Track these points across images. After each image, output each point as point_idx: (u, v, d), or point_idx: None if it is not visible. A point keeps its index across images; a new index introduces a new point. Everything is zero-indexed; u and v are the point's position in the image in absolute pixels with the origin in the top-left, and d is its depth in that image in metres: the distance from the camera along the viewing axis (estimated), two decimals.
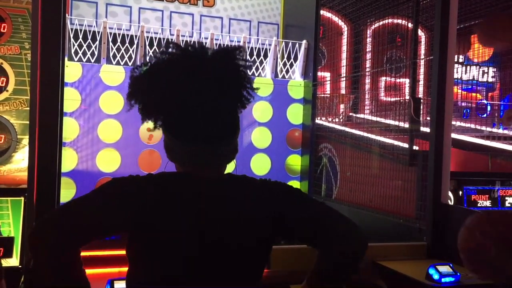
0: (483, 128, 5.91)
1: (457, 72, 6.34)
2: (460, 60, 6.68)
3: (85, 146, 4.92)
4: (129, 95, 1.24)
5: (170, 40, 1.24)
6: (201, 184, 1.24)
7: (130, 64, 5.11)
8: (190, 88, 1.18)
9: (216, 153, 1.25)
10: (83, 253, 1.38)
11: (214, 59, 1.21)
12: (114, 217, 1.19)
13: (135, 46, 5.11)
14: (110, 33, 5.04)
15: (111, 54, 5.04)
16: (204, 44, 1.26)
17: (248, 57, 5.30)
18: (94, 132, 4.92)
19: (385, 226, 3.97)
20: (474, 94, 7.15)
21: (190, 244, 1.18)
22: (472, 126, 6.01)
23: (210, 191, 1.24)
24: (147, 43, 5.12)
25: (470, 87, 7.05)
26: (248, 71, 1.26)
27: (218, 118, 1.21)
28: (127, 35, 5.13)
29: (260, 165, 5.43)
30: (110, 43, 5.01)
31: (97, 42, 5.00)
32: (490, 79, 7.23)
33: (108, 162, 4.95)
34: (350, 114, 5.57)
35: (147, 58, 1.24)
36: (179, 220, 1.18)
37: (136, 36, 5.14)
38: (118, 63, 5.04)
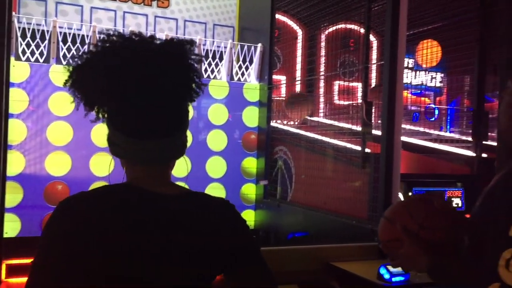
0: (432, 131, 6.12)
1: (407, 77, 6.54)
2: (410, 66, 6.89)
3: (33, 149, 4.74)
4: (70, 84, 1.17)
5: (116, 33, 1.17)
6: (149, 203, 1.17)
7: None
8: (133, 78, 1.12)
9: (161, 147, 1.17)
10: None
11: (162, 49, 1.16)
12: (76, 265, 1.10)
13: (86, 46, 4.98)
14: (60, 33, 4.89)
15: (61, 54, 4.89)
16: (153, 35, 1.21)
17: (198, 51, 5.29)
18: (43, 135, 4.75)
19: (338, 227, 4.03)
20: (423, 99, 7.40)
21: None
22: (421, 129, 6.21)
23: (159, 213, 1.15)
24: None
25: (419, 91, 7.29)
26: (197, 65, 1.20)
27: (164, 111, 1.15)
28: (78, 35, 4.99)
29: (216, 168, 5.40)
30: (60, 43, 4.86)
31: (46, 42, 4.83)
32: (438, 84, 7.51)
33: (58, 166, 4.80)
34: (305, 117, 5.64)
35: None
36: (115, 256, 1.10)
37: (87, 36, 5.01)
38: (68, 64, 4.88)
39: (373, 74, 5.16)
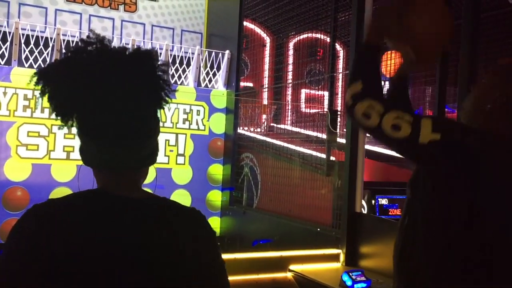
0: None
1: None
2: None
3: None
4: (40, 91, 1.14)
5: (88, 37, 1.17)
6: (115, 208, 1.16)
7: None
8: (103, 85, 1.13)
9: (130, 153, 1.18)
10: None
11: (132, 57, 1.17)
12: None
13: (50, 49, 4.87)
14: (23, 34, 4.77)
15: (23, 56, 4.77)
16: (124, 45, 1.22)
17: (165, 57, 5.23)
18: (2, 138, 4.61)
19: (303, 234, 4.06)
20: None
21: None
22: None
23: (128, 220, 1.16)
24: (63, 47, 4.90)
25: None
26: (166, 74, 1.21)
27: (132, 117, 1.15)
28: (42, 37, 4.88)
29: (182, 175, 5.36)
30: (23, 45, 4.74)
31: (8, 43, 4.71)
32: None
33: (18, 171, 4.66)
34: (272, 124, 5.67)
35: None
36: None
37: (51, 38, 4.90)
38: (31, 66, 4.78)
39: (340, 83, 5.24)
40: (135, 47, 1.20)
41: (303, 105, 5.78)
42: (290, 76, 5.75)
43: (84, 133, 1.18)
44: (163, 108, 1.22)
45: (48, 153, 4.78)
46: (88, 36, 1.16)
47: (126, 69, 1.15)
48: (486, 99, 1.42)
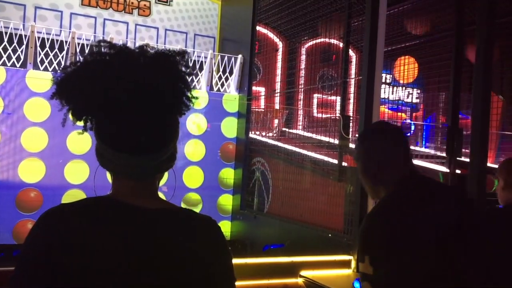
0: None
1: (384, 92, 6.64)
2: (388, 81, 7.00)
3: (7, 154, 4.64)
4: (56, 94, 1.12)
5: (103, 40, 1.14)
6: (130, 220, 1.16)
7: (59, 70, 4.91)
8: (122, 90, 1.09)
9: (149, 162, 1.15)
10: None
11: (153, 61, 1.13)
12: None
13: (64, 52, 4.92)
14: (38, 38, 4.82)
15: (38, 60, 4.82)
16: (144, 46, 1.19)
17: (190, 63, 5.19)
18: (17, 140, 4.66)
19: (314, 240, 4.04)
20: (399, 114, 7.51)
21: None
22: None
23: (141, 228, 1.12)
24: (78, 50, 4.95)
25: (396, 106, 7.40)
26: (189, 77, 1.17)
27: (152, 125, 1.13)
28: (57, 40, 4.93)
29: (193, 178, 5.38)
30: (38, 48, 4.80)
31: (24, 46, 4.77)
32: (415, 100, 7.64)
33: (32, 172, 4.71)
34: (284, 129, 5.67)
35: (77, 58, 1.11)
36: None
37: (66, 42, 4.96)
38: (46, 69, 4.83)
39: (352, 89, 5.22)
40: (155, 49, 1.13)
41: (315, 110, 5.78)
42: (302, 80, 5.75)
43: (101, 138, 1.15)
44: (184, 114, 1.18)
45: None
46: (102, 41, 1.12)
47: (147, 75, 1.11)
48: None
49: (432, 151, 6.04)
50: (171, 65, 1.14)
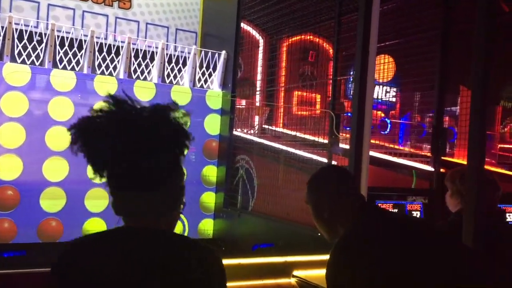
0: (386, 144, 6.25)
1: None
2: None
3: None
4: (72, 139, 1.24)
5: (110, 94, 1.26)
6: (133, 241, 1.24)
7: (37, 63, 4.73)
8: (130, 143, 1.22)
9: (151, 200, 1.27)
10: None
11: (151, 119, 1.25)
12: None
13: (44, 44, 4.74)
14: (16, 29, 4.63)
15: (16, 52, 4.63)
16: (134, 102, 1.27)
17: (162, 55, 5.15)
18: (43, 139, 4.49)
19: (302, 238, 4.02)
20: (378, 112, 7.58)
21: None
22: (377, 142, 6.34)
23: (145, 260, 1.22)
24: (57, 43, 4.78)
25: (374, 105, 7.45)
26: (184, 126, 1.30)
27: (153, 168, 1.25)
28: (35, 32, 4.74)
29: None
30: (16, 40, 4.60)
31: (0, 38, 4.57)
32: (392, 99, 7.72)
33: (9, 169, 4.52)
34: (266, 126, 5.62)
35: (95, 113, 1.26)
36: None
37: (45, 34, 4.77)
38: (23, 62, 4.64)
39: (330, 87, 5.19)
40: (154, 106, 1.27)
41: (296, 107, 5.75)
42: (283, 78, 5.70)
43: (109, 183, 1.26)
44: (184, 155, 1.31)
45: None
46: (109, 99, 1.24)
47: (147, 128, 1.23)
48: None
49: (411, 149, 6.10)
50: (167, 118, 1.26)
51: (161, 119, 1.25)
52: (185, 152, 1.32)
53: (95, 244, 1.27)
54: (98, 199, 4.78)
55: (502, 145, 7.15)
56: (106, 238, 1.28)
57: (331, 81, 4.99)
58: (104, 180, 1.26)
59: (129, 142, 1.21)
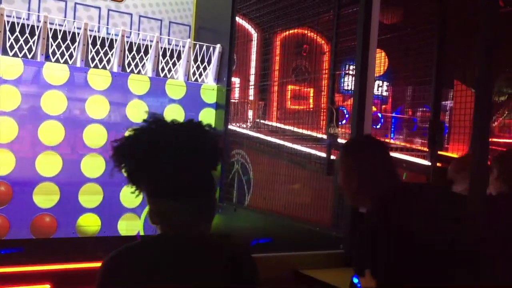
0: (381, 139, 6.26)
1: (348, 85, 6.65)
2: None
3: None
4: (114, 160, 1.34)
5: (147, 111, 1.41)
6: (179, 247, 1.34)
7: (29, 56, 4.63)
8: (168, 156, 1.31)
9: (194, 209, 1.38)
10: None
11: (188, 132, 1.38)
12: None
13: (36, 37, 4.65)
14: (7, 22, 4.53)
15: (7, 45, 4.53)
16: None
17: (156, 48, 5.10)
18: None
19: (300, 234, 4.01)
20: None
21: None
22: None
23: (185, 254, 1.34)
24: (50, 35, 4.69)
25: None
26: (217, 140, 1.44)
27: (194, 179, 1.34)
28: (27, 25, 4.65)
29: None
30: (8, 33, 4.51)
31: None
32: (384, 93, 7.73)
33: (1, 164, 4.44)
34: (257, 120, 5.58)
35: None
36: None
37: (37, 26, 4.67)
38: (15, 55, 4.55)
39: (323, 82, 5.17)
40: (192, 123, 1.42)
41: (290, 101, 5.72)
42: (277, 72, 5.66)
43: (154, 194, 1.34)
44: (216, 168, 1.42)
45: None
46: (149, 117, 1.34)
47: (186, 142, 1.34)
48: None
49: (400, 143, 6.12)
50: (203, 133, 1.41)
51: (201, 134, 1.39)
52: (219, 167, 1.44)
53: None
54: (92, 194, 4.72)
55: (491, 139, 7.21)
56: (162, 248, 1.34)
57: (325, 75, 4.97)
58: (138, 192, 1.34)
59: (175, 159, 1.30)
